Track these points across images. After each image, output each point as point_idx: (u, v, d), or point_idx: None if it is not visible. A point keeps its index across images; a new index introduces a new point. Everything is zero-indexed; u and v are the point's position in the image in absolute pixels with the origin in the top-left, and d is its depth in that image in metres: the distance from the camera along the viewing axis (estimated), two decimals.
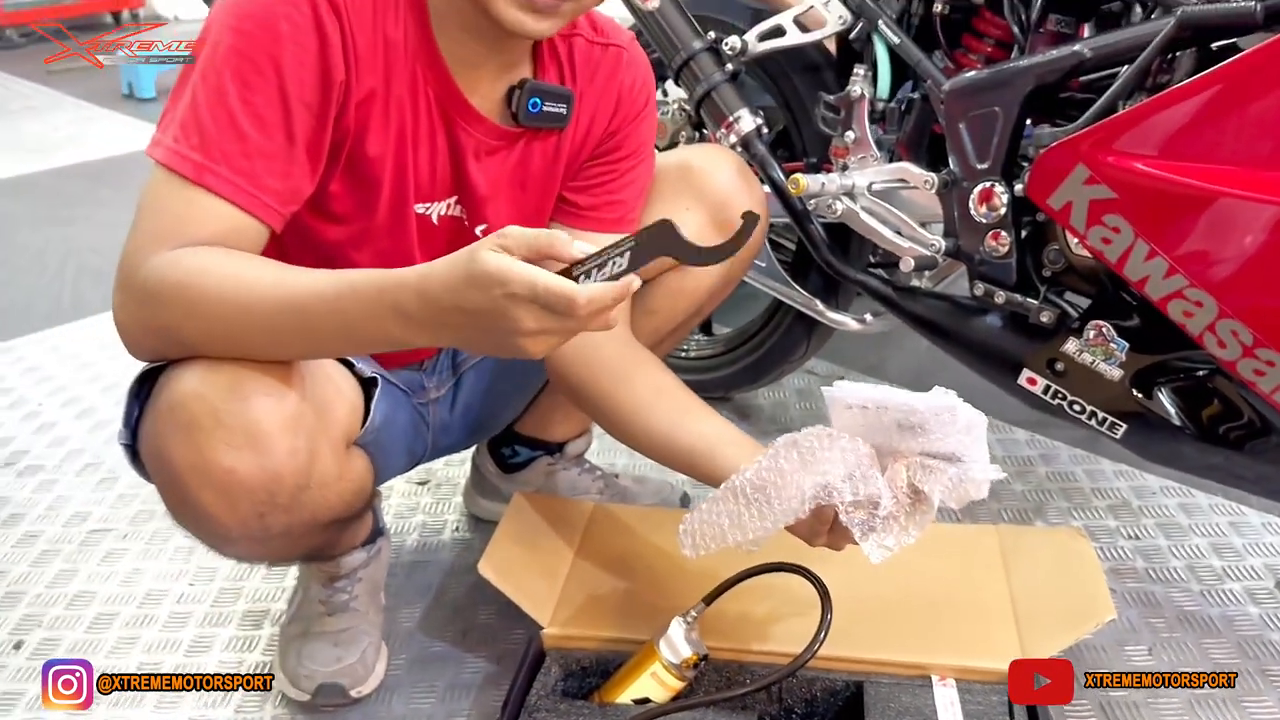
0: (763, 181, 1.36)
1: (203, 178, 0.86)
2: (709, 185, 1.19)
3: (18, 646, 1.29)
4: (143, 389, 0.92)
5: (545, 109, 1.05)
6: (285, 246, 0.97)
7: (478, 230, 1.09)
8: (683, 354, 1.77)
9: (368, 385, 1.03)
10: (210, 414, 0.85)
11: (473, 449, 1.47)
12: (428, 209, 1.06)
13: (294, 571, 1.32)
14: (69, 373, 2.00)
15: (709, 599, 1.07)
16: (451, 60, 0.99)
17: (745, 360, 1.68)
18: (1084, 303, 1.23)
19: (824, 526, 0.96)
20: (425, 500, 1.56)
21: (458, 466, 1.61)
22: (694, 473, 1.05)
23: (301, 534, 0.99)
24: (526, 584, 1.16)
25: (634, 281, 0.74)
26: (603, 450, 1.63)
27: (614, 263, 0.74)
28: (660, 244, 0.76)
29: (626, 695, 1.04)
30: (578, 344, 1.03)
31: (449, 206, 1.07)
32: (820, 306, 1.51)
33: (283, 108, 0.88)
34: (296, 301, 0.82)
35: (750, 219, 0.77)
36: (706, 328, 1.79)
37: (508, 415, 1.38)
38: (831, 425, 0.93)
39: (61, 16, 5.93)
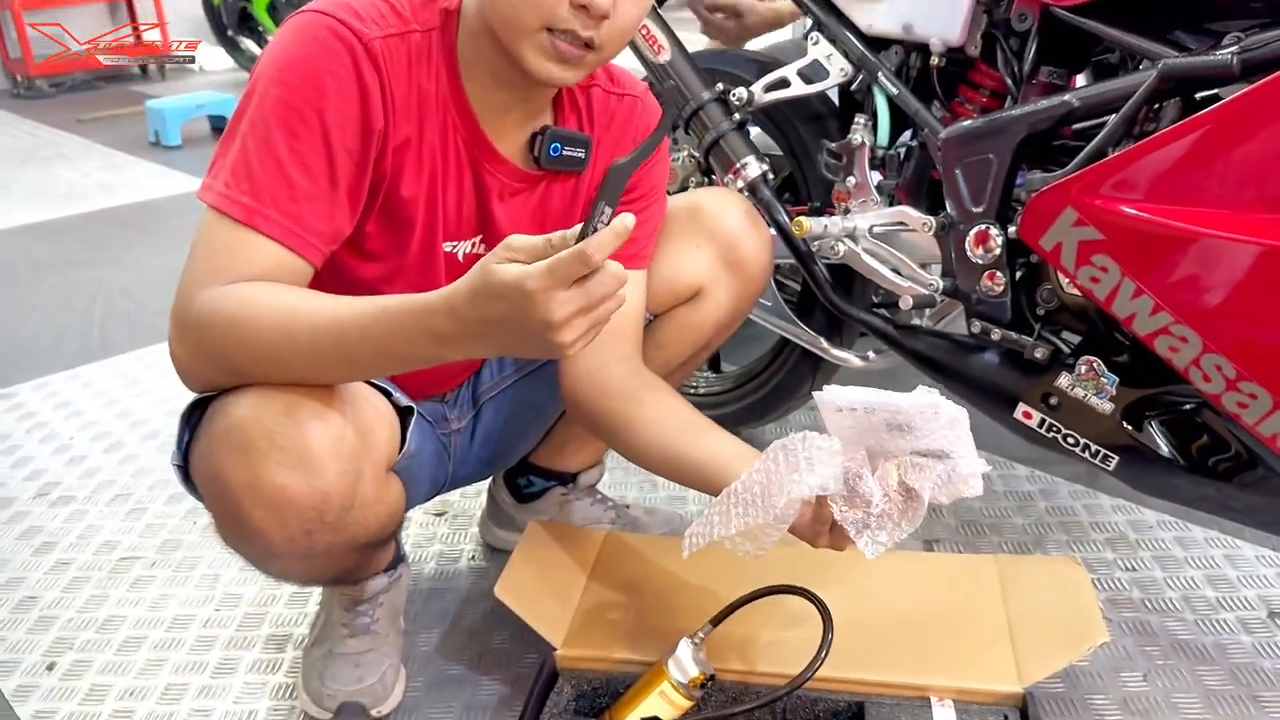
0: (769, 224, 1.43)
1: (253, 220, 0.93)
2: (718, 225, 1.26)
3: (50, 668, 1.34)
4: (193, 416, 0.99)
5: (565, 153, 1.12)
6: (323, 284, 1.04)
7: None
8: (691, 390, 1.82)
9: (404, 414, 1.09)
10: (265, 436, 0.91)
11: (489, 480, 1.53)
12: (455, 247, 1.13)
13: (316, 596, 1.37)
14: (98, 408, 2.07)
15: (716, 620, 1.12)
16: (479, 107, 1.06)
17: (752, 397, 1.74)
18: (1076, 339, 1.28)
19: (824, 527, 0.99)
20: (442, 530, 1.61)
21: (474, 498, 1.67)
22: (708, 488, 1.08)
23: (340, 554, 1.04)
24: (540, 607, 1.21)
25: (628, 219, 0.78)
26: (614, 484, 1.69)
27: (599, 223, 0.78)
28: (617, 179, 0.80)
29: (636, 714, 1.08)
30: (592, 369, 1.09)
31: (474, 245, 1.14)
32: (825, 344, 1.57)
33: (326, 155, 0.95)
34: (336, 326, 0.87)
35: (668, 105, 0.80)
36: (715, 365, 1.85)
37: (525, 445, 1.44)
38: (825, 429, 0.97)
39: (91, 69, 6.12)
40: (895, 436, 0.95)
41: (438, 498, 1.56)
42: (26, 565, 1.56)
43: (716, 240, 1.25)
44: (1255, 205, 1.07)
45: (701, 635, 1.11)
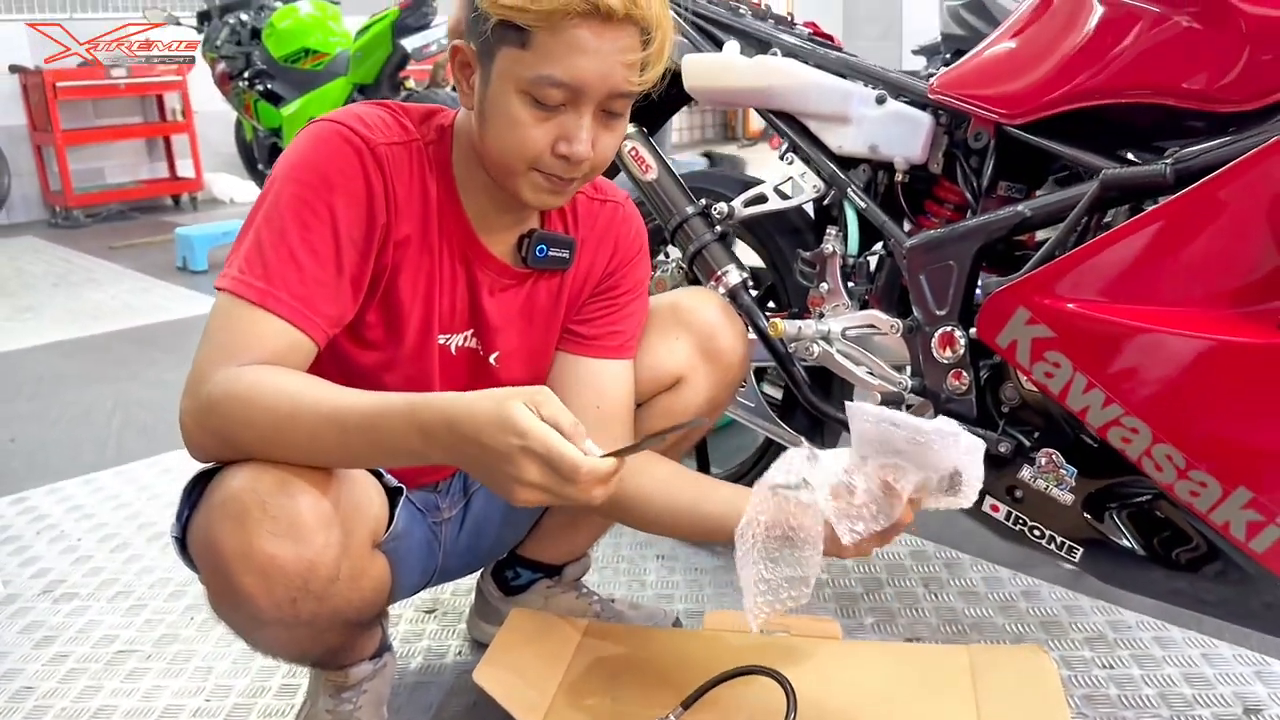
0: (749, 328, 1.51)
1: (265, 301, 1.01)
2: (696, 319, 1.34)
3: None
4: (194, 491, 1.05)
5: (551, 254, 1.21)
6: (325, 370, 1.10)
7: (491, 358, 1.24)
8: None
9: (393, 494, 1.15)
10: (259, 506, 0.97)
11: (478, 575, 1.57)
12: (448, 340, 1.21)
13: (304, 688, 1.40)
14: (108, 511, 2.13)
15: (687, 703, 1.15)
16: (472, 213, 1.16)
17: None
18: (1038, 434, 1.34)
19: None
20: (431, 627, 1.64)
21: (464, 596, 1.70)
22: (724, 536, 1.12)
23: (325, 626, 1.08)
24: (519, 692, 1.24)
25: (612, 463, 0.89)
26: (601, 581, 1.72)
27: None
28: (645, 443, 0.94)
29: None
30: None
31: (466, 339, 1.22)
32: (805, 443, 1.62)
33: (334, 244, 1.05)
34: (337, 416, 0.95)
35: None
36: (704, 468, 1.90)
37: (513, 536, 1.48)
38: (851, 432, 1.07)
39: (125, 199, 6.40)
40: (912, 452, 1.03)
41: (428, 595, 1.60)
42: (26, 658, 1.60)
43: (695, 332, 1.33)
44: (1190, 301, 1.14)
45: (673, 717, 1.13)
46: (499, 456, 0.87)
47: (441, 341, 1.20)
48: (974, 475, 1.04)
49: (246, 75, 5.36)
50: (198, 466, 1.07)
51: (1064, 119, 1.29)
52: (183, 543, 1.06)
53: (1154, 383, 1.16)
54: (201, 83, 6.08)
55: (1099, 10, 1.25)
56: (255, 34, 5.39)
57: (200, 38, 5.69)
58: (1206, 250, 1.13)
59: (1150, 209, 1.16)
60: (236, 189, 6.64)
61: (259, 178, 6.38)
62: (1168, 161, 1.17)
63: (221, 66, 5.45)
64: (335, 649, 1.22)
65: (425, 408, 0.91)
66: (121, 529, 2.04)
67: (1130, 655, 1.48)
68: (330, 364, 1.13)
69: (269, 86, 5.31)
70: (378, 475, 1.15)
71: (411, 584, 1.34)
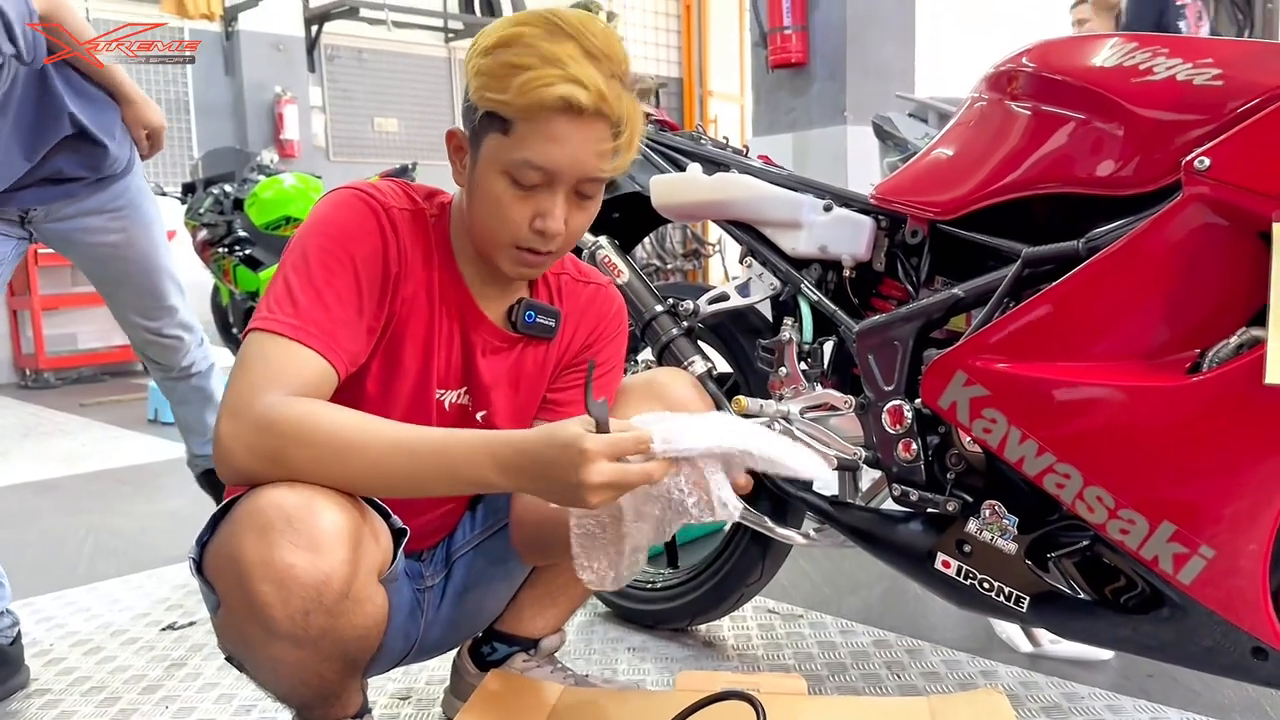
0: None
1: (299, 335, 1.13)
2: (668, 393, 1.46)
3: None
4: (218, 522, 1.13)
5: (538, 320, 1.35)
6: None
7: (478, 416, 1.35)
8: (650, 585, 1.93)
9: (397, 535, 1.23)
10: (284, 519, 1.05)
11: (454, 654, 1.61)
12: (443, 395, 1.32)
13: None
14: (79, 621, 2.14)
15: None
16: (468, 279, 1.30)
17: (707, 584, 1.85)
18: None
19: None
20: (406, 711, 1.67)
21: (438, 685, 1.73)
22: None
23: (328, 652, 1.14)
24: None
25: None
26: (575, 657, 1.76)
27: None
28: None
29: None
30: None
31: (459, 395, 1.34)
32: (770, 524, 1.71)
33: (356, 290, 1.19)
34: (408, 443, 1.08)
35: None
36: (673, 561, 1.97)
37: (493, 607, 1.53)
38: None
39: (97, 363, 6.49)
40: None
41: (403, 682, 1.64)
42: None
43: (667, 404, 1.44)
44: (1108, 355, 1.28)
45: None
46: (562, 467, 1.02)
47: (438, 395, 1.31)
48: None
49: (227, 242, 5.58)
50: (175, 572, 1.15)
51: (990, 213, 1.46)
52: (200, 567, 1.14)
53: (1080, 430, 1.29)
54: (180, 252, 6.28)
55: (1013, 117, 1.44)
56: (238, 204, 5.64)
57: (184, 208, 5.94)
58: (1113, 310, 1.28)
59: (1063, 278, 1.31)
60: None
61: (233, 342, 6.51)
62: (1081, 240, 1.34)
63: (203, 234, 5.66)
64: (327, 691, 1.24)
65: (493, 438, 1.08)
66: (94, 636, 2.05)
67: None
68: None
69: (249, 252, 5.52)
70: (384, 515, 1.23)
71: (395, 649, 1.38)
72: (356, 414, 1.11)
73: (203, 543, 1.14)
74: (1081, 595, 1.37)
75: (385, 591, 1.21)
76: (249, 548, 1.06)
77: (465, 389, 1.34)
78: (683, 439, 1.06)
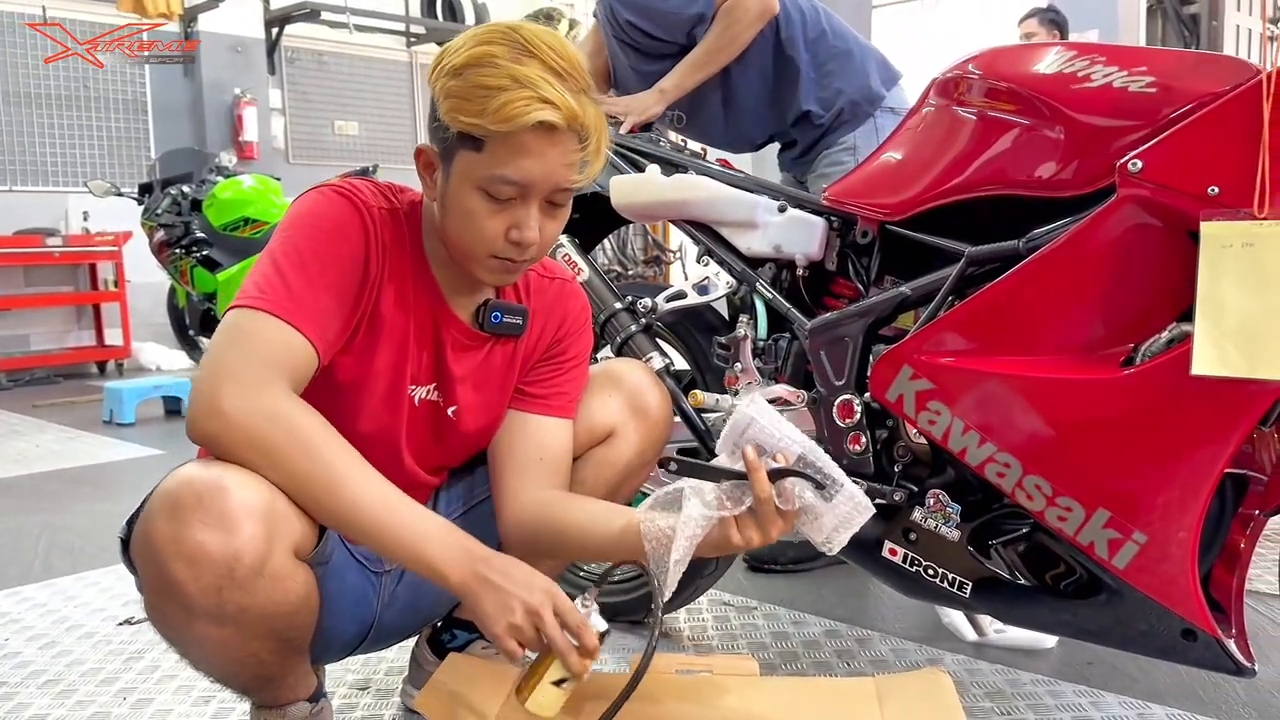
0: (673, 411, 1.66)
1: (290, 316, 1.17)
2: (626, 381, 1.50)
3: None
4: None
5: (505, 320, 1.38)
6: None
7: (449, 410, 1.38)
8: (610, 579, 1.96)
9: None
10: (194, 497, 1.08)
11: (413, 644, 1.63)
12: (414, 390, 1.35)
13: None
14: (35, 617, 2.13)
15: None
16: (440, 278, 1.34)
17: None
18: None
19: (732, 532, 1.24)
20: (365, 700, 1.68)
21: (396, 675, 1.75)
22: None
23: (253, 630, 1.15)
24: (460, 716, 1.30)
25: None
26: None
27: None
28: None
29: (546, 679, 1.20)
30: (535, 500, 1.37)
31: (429, 391, 1.37)
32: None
33: (338, 279, 1.22)
34: (391, 501, 1.16)
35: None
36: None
37: (452, 597, 1.56)
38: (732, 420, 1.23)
39: (50, 365, 6.41)
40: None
41: (362, 672, 1.66)
42: None
43: (625, 391, 1.49)
44: (1045, 349, 1.34)
45: (589, 595, 1.21)
46: (519, 586, 1.15)
47: (409, 390, 1.35)
48: (848, 487, 1.20)
49: (185, 243, 5.54)
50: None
51: (936, 214, 1.52)
52: (127, 547, 1.17)
53: (1019, 421, 1.34)
54: (136, 253, 6.22)
55: (959, 122, 1.50)
56: (196, 205, 5.60)
57: (141, 209, 5.88)
58: (1051, 306, 1.33)
59: (1004, 276, 1.37)
60: (164, 357, 6.70)
61: (189, 344, 6.46)
62: (1022, 240, 1.40)
63: (160, 234, 5.61)
64: (265, 673, 1.24)
65: (473, 540, 1.20)
66: (50, 631, 2.05)
67: (1026, 704, 1.60)
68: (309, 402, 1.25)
69: (206, 254, 5.48)
70: None
71: (346, 635, 1.40)
72: (358, 455, 1.16)
73: (131, 523, 1.17)
74: (1022, 581, 1.43)
75: (310, 570, 1.22)
76: (161, 528, 1.08)
77: (435, 385, 1.37)
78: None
